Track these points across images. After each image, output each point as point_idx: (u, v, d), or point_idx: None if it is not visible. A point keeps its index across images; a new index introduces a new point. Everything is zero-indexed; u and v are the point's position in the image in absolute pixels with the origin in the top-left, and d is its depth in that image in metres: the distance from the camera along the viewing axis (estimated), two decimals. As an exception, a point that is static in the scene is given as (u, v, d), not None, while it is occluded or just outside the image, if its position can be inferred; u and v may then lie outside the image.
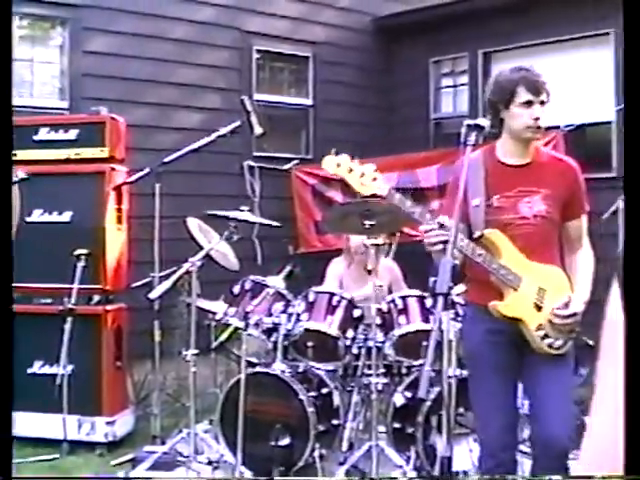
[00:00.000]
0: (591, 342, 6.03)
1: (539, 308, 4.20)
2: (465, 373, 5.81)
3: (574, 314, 4.15)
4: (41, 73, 9.09)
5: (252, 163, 9.83)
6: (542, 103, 4.19)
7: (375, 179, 4.04)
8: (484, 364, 4.33)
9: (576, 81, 9.10)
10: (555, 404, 4.20)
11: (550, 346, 4.19)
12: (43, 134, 7.08)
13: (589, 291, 4.27)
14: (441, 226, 3.95)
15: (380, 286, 6.28)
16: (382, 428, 6.11)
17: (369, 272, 5.98)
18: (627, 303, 1.47)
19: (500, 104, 4.24)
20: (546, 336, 4.19)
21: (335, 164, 4.10)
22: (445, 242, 3.86)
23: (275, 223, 6.85)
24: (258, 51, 10.19)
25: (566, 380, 4.33)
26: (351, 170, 4.06)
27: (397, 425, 6.06)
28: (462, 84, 10.64)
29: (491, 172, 4.31)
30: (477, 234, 4.20)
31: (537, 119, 4.19)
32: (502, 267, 4.16)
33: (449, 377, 5.14)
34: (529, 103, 4.18)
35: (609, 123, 9.03)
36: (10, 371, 4.00)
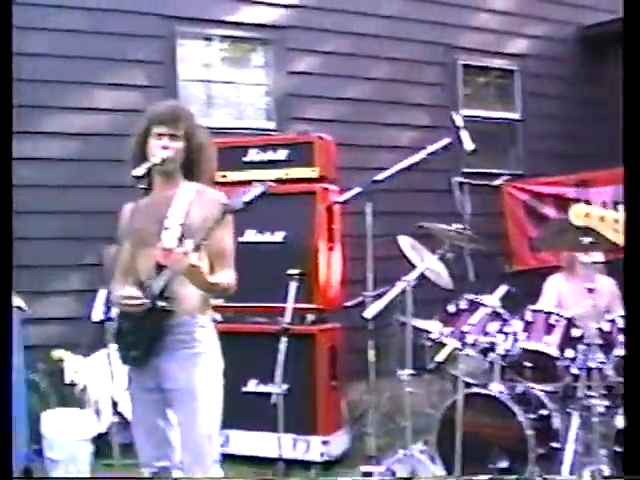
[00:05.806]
0: None
1: None
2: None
3: None
4: (246, 94, 9.24)
5: (461, 179, 9.67)
6: None
7: None
8: None
9: None
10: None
11: None
12: (252, 155, 7.20)
13: None
14: None
15: (594, 306, 6.02)
16: (603, 452, 5.87)
17: (590, 290, 5.77)
18: (627, 302, 1.37)
19: None
20: None
21: (584, 214, 3.88)
22: None
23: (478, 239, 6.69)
24: (463, 66, 10.06)
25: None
26: (602, 218, 3.82)
27: (619, 449, 5.81)
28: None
29: None
30: None
31: None
32: None
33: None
34: None
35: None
36: (9, 372, 4.03)
